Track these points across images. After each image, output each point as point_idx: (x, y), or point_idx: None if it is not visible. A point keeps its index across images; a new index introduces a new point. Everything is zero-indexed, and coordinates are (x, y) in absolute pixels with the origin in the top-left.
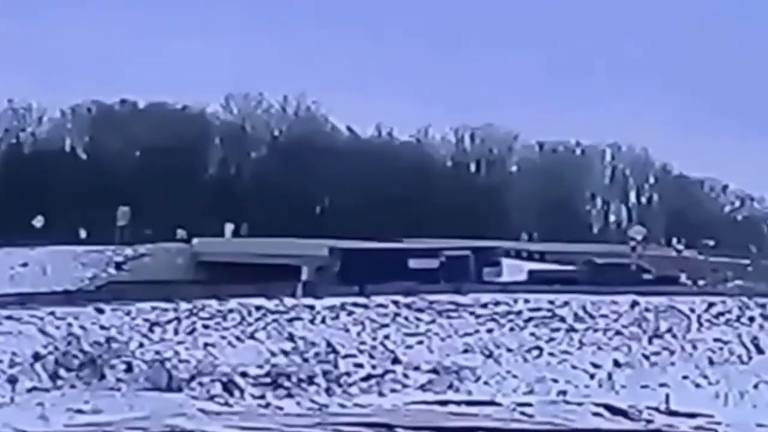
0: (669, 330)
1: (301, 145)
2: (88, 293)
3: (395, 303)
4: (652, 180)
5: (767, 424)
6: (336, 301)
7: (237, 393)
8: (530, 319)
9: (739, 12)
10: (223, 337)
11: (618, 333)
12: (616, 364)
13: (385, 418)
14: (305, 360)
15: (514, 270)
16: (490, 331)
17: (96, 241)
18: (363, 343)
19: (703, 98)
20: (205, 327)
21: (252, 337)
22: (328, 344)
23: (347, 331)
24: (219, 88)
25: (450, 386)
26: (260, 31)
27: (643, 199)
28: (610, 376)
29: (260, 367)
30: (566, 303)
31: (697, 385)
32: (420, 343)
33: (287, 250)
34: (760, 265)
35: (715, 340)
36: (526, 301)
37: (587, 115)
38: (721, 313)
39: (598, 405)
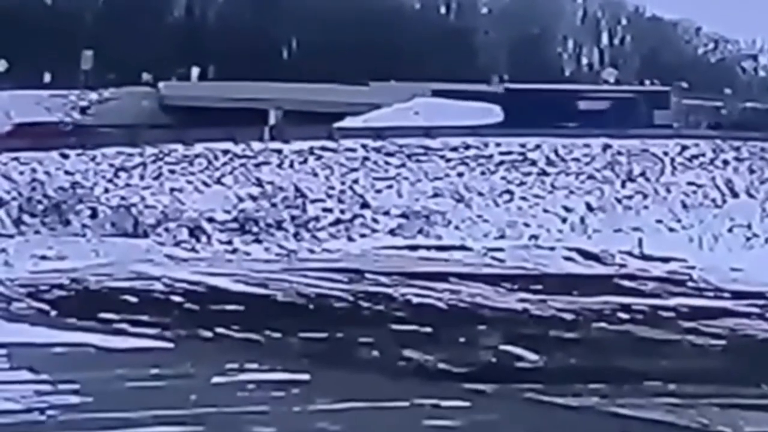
0: (642, 173)
1: None
2: None
3: (364, 147)
4: (624, 22)
5: (741, 268)
6: (304, 145)
7: (204, 239)
8: (501, 162)
9: None
10: (190, 182)
11: (590, 177)
12: (589, 207)
13: (354, 263)
14: (273, 205)
15: (485, 112)
16: (460, 175)
17: (60, 85)
18: (332, 187)
19: None
20: (172, 172)
21: (219, 182)
22: (296, 189)
23: (315, 175)
24: None
25: (420, 231)
26: None
27: (616, 41)
28: (582, 220)
29: (227, 212)
30: (538, 146)
31: (671, 229)
32: (389, 187)
33: (255, 93)
34: (735, 108)
35: (689, 183)
36: (497, 144)
37: None
38: (695, 156)
39: (570, 249)
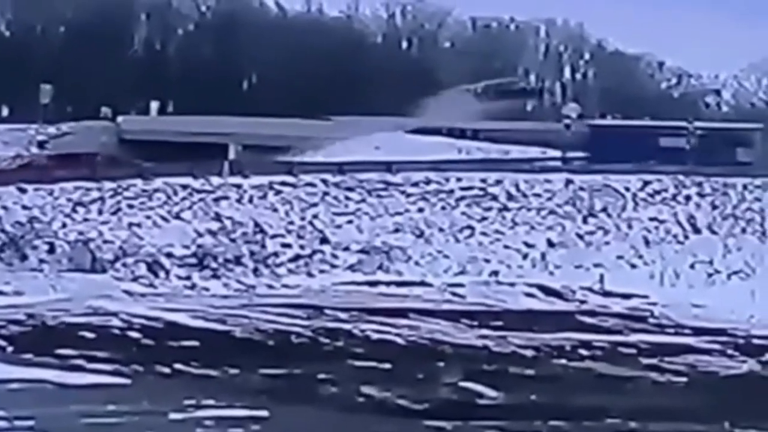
0: (604, 209)
1: (228, 21)
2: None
3: (324, 182)
4: (587, 56)
5: (703, 304)
6: (264, 180)
7: (162, 274)
8: (462, 197)
9: None
10: (148, 217)
11: (552, 212)
12: (550, 243)
13: (313, 299)
14: (232, 240)
15: (446, 148)
16: (421, 210)
17: (19, 119)
18: (291, 222)
19: None
20: (130, 207)
21: (178, 216)
22: (256, 224)
23: (275, 210)
24: None
25: (380, 266)
26: None
27: (578, 76)
28: (543, 256)
29: (186, 247)
30: (498, 181)
31: (633, 266)
32: (349, 222)
33: (214, 127)
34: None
35: (651, 219)
36: (458, 179)
37: None
38: (657, 192)
39: (531, 285)
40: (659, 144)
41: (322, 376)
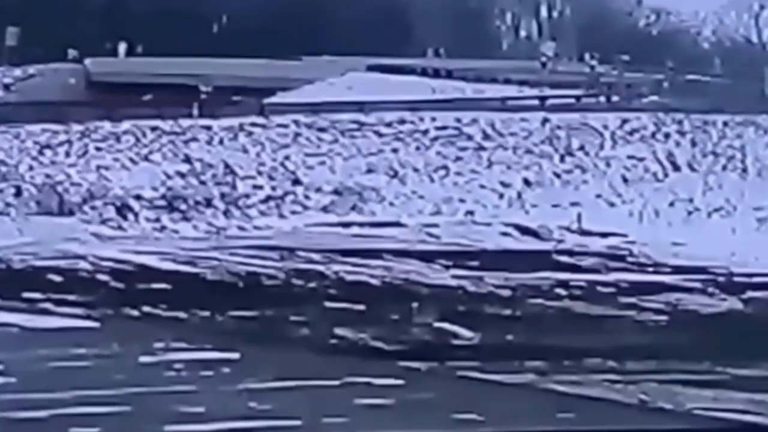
0: (581, 147)
1: None
2: None
3: (296, 122)
4: None
5: (683, 243)
6: (234, 121)
7: (131, 217)
8: (437, 137)
9: None
10: (117, 160)
11: (528, 151)
12: (527, 183)
13: (285, 240)
14: (202, 182)
15: (420, 87)
16: (395, 150)
17: None
18: (262, 164)
19: None
20: (98, 149)
21: (146, 159)
22: (226, 166)
23: (246, 152)
24: None
25: (353, 207)
26: None
27: (555, 14)
28: (519, 195)
29: (155, 189)
30: (474, 121)
31: (611, 204)
32: (322, 163)
33: (184, 69)
34: (676, 81)
35: (630, 157)
36: (433, 119)
37: None
38: (636, 130)
39: (507, 225)
40: None
41: (294, 318)
